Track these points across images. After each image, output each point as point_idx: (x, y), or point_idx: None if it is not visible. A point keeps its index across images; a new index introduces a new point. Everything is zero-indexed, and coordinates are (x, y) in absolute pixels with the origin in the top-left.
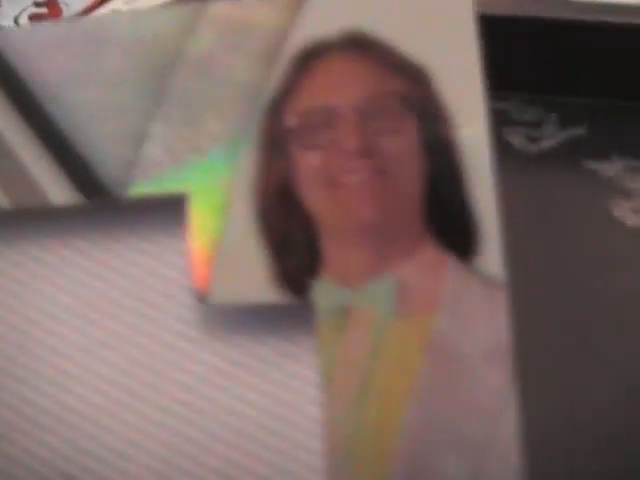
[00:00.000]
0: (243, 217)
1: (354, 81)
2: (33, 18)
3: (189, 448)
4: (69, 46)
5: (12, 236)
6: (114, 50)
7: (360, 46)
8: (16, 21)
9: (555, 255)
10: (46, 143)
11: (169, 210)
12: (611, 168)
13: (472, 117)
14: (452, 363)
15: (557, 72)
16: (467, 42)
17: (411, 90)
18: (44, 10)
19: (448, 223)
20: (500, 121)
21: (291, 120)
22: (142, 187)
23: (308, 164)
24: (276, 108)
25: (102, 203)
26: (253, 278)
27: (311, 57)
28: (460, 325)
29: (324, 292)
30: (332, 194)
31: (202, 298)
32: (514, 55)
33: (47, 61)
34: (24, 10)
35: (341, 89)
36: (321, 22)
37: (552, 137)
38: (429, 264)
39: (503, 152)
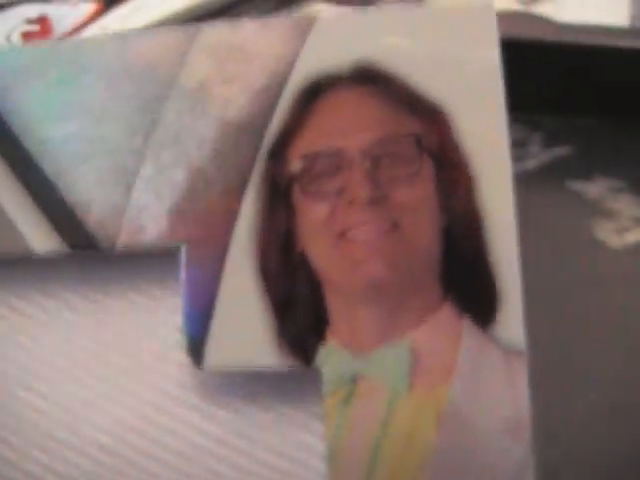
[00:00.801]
0: (242, 271)
1: (365, 121)
2: (25, 36)
3: None
4: (47, 73)
5: None
6: (97, 78)
7: (372, 80)
8: (8, 39)
9: (537, 275)
10: (25, 184)
11: (163, 261)
12: (594, 188)
13: (495, 164)
14: (467, 436)
15: (542, 91)
16: (491, 81)
17: (428, 132)
18: (36, 27)
19: (467, 283)
20: None
21: (295, 165)
22: (131, 236)
23: (313, 215)
24: (278, 150)
25: (88, 254)
26: (253, 340)
27: (317, 92)
28: (476, 396)
29: (331, 358)
30: (340, 249)
31: (197, 360)
32: None
33: (22, 90)
34: (15, 28)
35: (351, 130)
36: (329, 52)
37: (536, 157)
38: (445, 329)
39: None
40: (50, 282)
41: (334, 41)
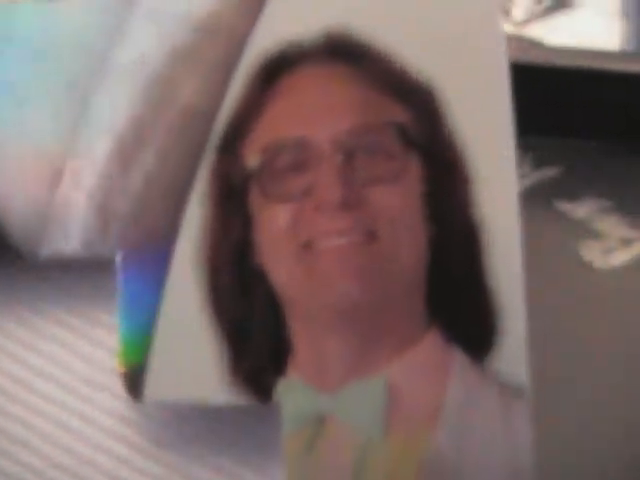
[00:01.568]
0: (187, 288)
1: (337, 105)
2: None
3: None
4: None
5: None
6: (20, 53)
7: (346, 55)
8: None
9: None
10: None
11: (96, 274)
12: (582, 209)
13: (497, 163)
14: None
15: (531, 113)
16: (495, 63)
17: (415, 121)
18: None
19: (458, 309)
20: None
21: (252, 159)
22: (60, 243)
23: (274, 221)
24: (231, 141)
25: (9, 262)
26: (200, 371)
27: (279, 69)
28: (466, 443)
29: (292, 394)
30: (305, 263)
31: (134, 392)
32: None
33: None
34: None
35: (319, 116)
36: (293, 19)
37: (526, 177)
38: (429, 362)
39: None
40: None
41: (300, 6)
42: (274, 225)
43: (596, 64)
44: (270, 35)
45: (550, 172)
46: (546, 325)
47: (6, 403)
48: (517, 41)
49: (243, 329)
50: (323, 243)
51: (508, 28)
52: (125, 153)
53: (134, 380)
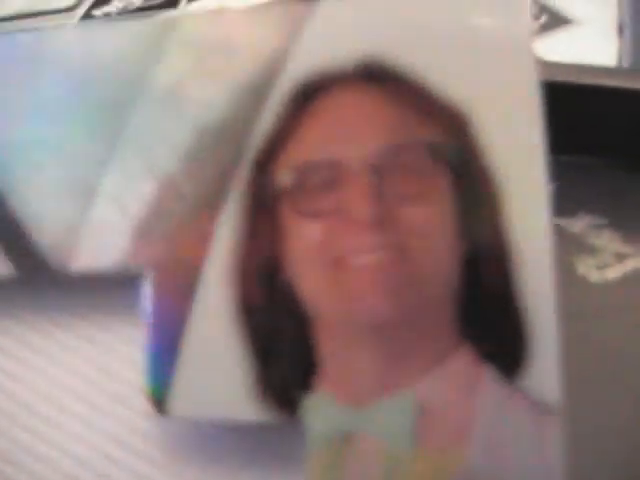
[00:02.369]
0: (216, 303)
1: (369, 126)
2: None
3: None
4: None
5: None
6: (56, 74)
7: (379, 78)
8: None
9: None
10: None
11: (123, 288)
12: (577, 224)
13: (527, 181)
14: None
15: None
16: (525, 82)
17: (446, 142)
18: None
19: (489, 326)
20: None
21: (284, 177)
22: (88, 258)
23: (304, 237)
24: (265, 160)
25: (38, 276)
26: (227, 387)
27: (313, 91)
28: (496, 459)
29: (319, 411)
30: (335, 279)
31: (160, 408)
32: None
33: None
34: None
35: (352, 137)
36: (328, 45)
37: None
38: (460, 378)
39: None
40: None
41: (335, 31)
42: (305, 241)
43: (593, 80)
44: (306, 59)
45: None
46: None
47: (29, 416)
48: None
49: (271, 344)
50: (354, 259)
51: None
52: (158, 172)
53: (160, 396)
